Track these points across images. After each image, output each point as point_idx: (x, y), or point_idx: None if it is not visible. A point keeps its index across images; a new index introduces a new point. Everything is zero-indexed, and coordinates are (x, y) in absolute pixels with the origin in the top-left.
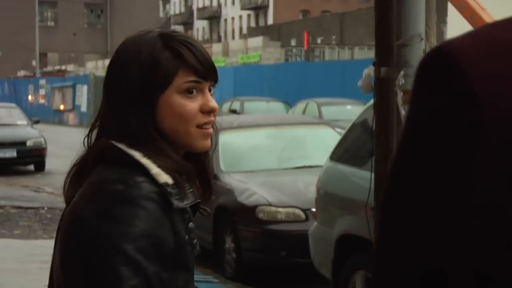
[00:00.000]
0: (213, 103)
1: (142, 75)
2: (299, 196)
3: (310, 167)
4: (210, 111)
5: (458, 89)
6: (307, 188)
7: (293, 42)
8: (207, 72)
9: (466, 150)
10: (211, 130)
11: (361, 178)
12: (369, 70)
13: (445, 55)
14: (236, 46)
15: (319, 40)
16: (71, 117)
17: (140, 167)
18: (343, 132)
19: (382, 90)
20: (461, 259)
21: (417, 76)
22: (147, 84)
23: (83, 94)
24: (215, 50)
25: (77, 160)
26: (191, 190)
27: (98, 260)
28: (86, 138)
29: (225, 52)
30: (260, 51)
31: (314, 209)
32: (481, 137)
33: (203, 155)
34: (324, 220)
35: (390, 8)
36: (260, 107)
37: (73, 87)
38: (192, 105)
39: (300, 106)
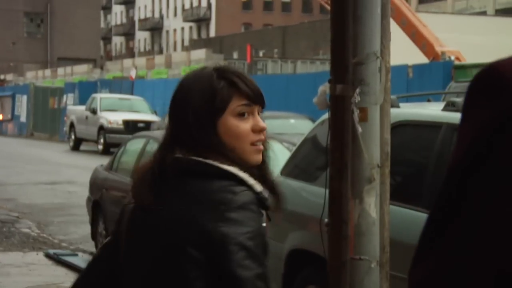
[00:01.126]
0: (262, 123)
1: (204, 102)
2: None
3: None
4: (260, 130)
5: (507, 104)
6: None
7: (235, 55)
8: (256, 97)
9: None
10: (261, 147)
11: (312, 193)
12: (325, 87)
13: (496, 74)
14: (179, 58)
15: (261, 53)
16: (10, 127)
17: (237, 178)
18: (291, 146)
19: (337, 107)
20: None
21: (470, 91)
22: (208, 109)
23: (22, 104)
24: (157, 62)
25: (143, 169)
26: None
27: (226, 257)
28: (156, 154)
29: (168, 64)
30: (203, 63)
31: (264, 224)
32: None
33: (262, 166)
34: (275, 234)
35: (345, 26)
36: None
37: (13, 97)
38: (245, 125)
39: None
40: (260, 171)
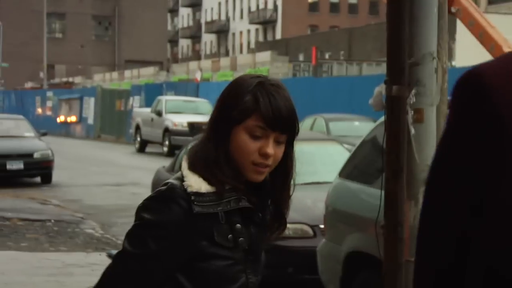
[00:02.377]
0: (269, 149)
1: (230, 106)
2: (307, 213)
3: (319, 183)
4: (264, 155)
5: (486, 112)
6: (315, 204)
7: (301, 57)
8: (275, 123)
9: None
10: (264, 170)
11: (370, 195)
12: (380, 88)
13: (475, 80)
14: (244, 61)
15: (327, 56)
16: (78, 129)
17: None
18: (351, 148)
19: (393, 108)
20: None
21: (452, 95)
22: (228, 114)
23: (90, 107)
24: (223, 64)
25: None
26: (233, 198)
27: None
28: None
29: (233, 67)
30: (268, 65)
31: (322, 226)
32: (507, 159)
33: (262, 185)
34: (333, 237)
35: (402, 27)
36: None
37: (80, 99)
38: (253, 145)
39: (307, 121)
40: (255, 189)
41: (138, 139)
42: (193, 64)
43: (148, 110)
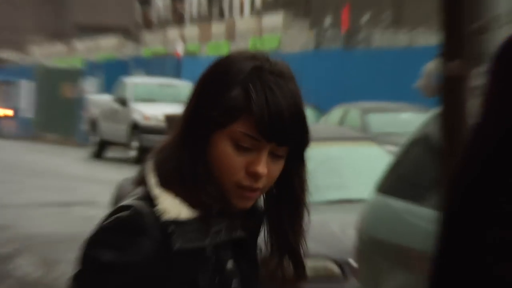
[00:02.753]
0: (260, 167)
1: (210, 103)
2: (333, 243)
3: (349, 201)
4: (254, 175)
5: None
6: (343, 231)
7: (327, 21)
8: (272, 132)
9: None
10: (252, 195)
11: (421, 218)
12: (432, 65)
13: None
14: (246, 26)
15: (365, 19)
16: (9, 126)
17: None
18: (396, 151)
19: (451, 93)
20: None
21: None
22: (207, 114)
23: (25, 93)
24: (215, 31)
25: None
26: (224, 225)
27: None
28: None
29: (230, 35)
30: (280, 33)
31: (353, 262)
32: None
33: (284, 211)
34: (368, 277)
35: None
36: None
37: (11, 83)
38: (239, 160)
39: (336, 113)
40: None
41: (95, 139)
42: (173, 32)
43: (108, 97)
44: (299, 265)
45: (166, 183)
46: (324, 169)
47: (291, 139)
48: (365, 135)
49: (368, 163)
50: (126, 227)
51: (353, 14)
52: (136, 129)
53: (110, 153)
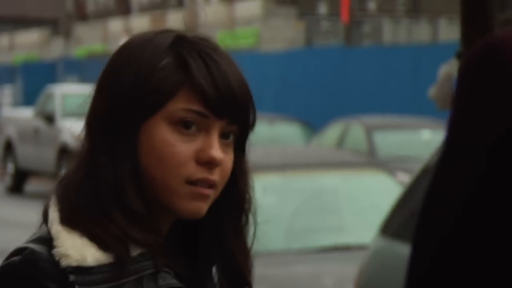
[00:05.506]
0: (215, 151)
1: (133, 87)
2: None
3: (347, 248)
4: (209, 162)
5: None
6: (339, 287)
7: (321, 9)
8: (222, 104)
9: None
10: (209, 191)
11: None
12: (449, 68)
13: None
14: (213, 17)
15: (371, 5)
16: None
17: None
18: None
19: None
20: None
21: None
22: (134, 101)
23: None
24: (172, 23)
25: None
26: (147, 271)
27: None
28: None
29: (191, 27)
30: (259, 24)
31: None
32: None
33: (228, 227)
34: None
35: None
36: (259, 131)
37: None
38: (184, 147)
39: (333, 131)
40: (184, 245)
41: (11, 167)
42: (116, 24)
43: (28, 112)
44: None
45: (71, 219)
46: (316, 206)
47: (243, 115)
48: (371, 160)
49: (373, 197)
50: (16, 275)
51: (355, 1)
52: (66, 153)
53: (32, 186)
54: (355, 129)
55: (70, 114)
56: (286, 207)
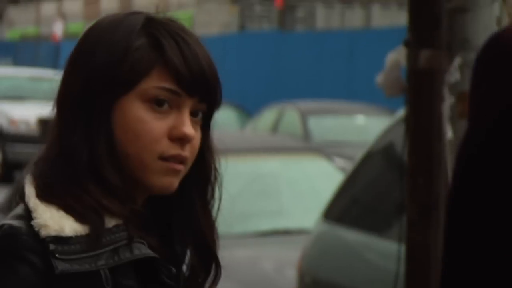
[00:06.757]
0: (187, 128)
1: (107, 66)
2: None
3: (287, 232)
4: (181, 138)
5: None
6: (280, 272)
7: None
8: (193, 83)
9: None
10: (180, 166)
11: (381, 254)
12: (397, 55)
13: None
14: (146, 0)
15: None
16: None
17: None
18: (348, 167)
19: (421, 92)
20: None
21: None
22: (109, 80)
23: None
24: (105, 7)
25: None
26: (122, 241)
27: None
28: None
29: (125, 9)
30: (193, 9)
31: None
32: None
33: (190, 202)
34: None
35: None
36: None
37: None
38: (157, 124)
39: (267, 116)
40: (155, 217)
41: None
42: (49, 7)
43: None
44: (215, 264)
45: (48, 191)
46: (255, 190)
47: (212, 94)
48: (307, 145)
49: (312, 182)
50: None
51: None
52: (0, 137)
53: None
54: (290, 114)
55: (3, 97)
56: (225, 192)
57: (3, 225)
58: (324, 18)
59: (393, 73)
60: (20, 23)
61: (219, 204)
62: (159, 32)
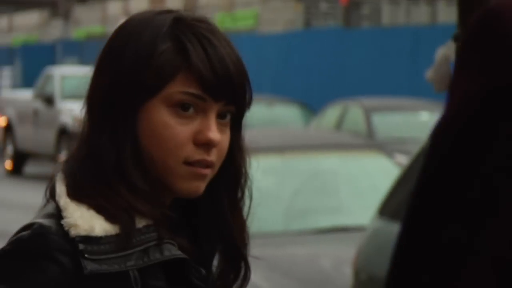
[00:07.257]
0: (213, 133)
1: (133, 71)
2: (323, 284)
3: (345, 229)
4: (206, 144)
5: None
6: (338, 270)
7: None
8: (219, 87)
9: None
10: (206, 172)
11: None
12: (446, 50)
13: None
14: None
15: None
16: None
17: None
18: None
19: None
20: None
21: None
22: (134, 85)
23: None
24: (170, 5)
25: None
26: (152, 242)
27: None
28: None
29: (190, 9)
30: (258, 6)
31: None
32: None
33: (224, 206)
34: None
35: None
36: (258, 113)
37: None
38: (182, 129)
39: (331, 113)
40: (186, 219)
41: (10, 149)
42: (115, 6)
43: (28, 93)
44: (244, 266)
45: (78, 191)
46: (314, 187)
47: (239, 97)
48: (369, 142)
49: (371, 179)
50: (25, 250)
51: None
52: (66, 135)
53: (31, 168)
54: (353, 111)
55: (69, 95)
56: (284, 189)
57: (33, 223)
58: (390, 15)
59: (443, 68)
60: (87, 22)
61: (249, 204)
62: (185, 35)
